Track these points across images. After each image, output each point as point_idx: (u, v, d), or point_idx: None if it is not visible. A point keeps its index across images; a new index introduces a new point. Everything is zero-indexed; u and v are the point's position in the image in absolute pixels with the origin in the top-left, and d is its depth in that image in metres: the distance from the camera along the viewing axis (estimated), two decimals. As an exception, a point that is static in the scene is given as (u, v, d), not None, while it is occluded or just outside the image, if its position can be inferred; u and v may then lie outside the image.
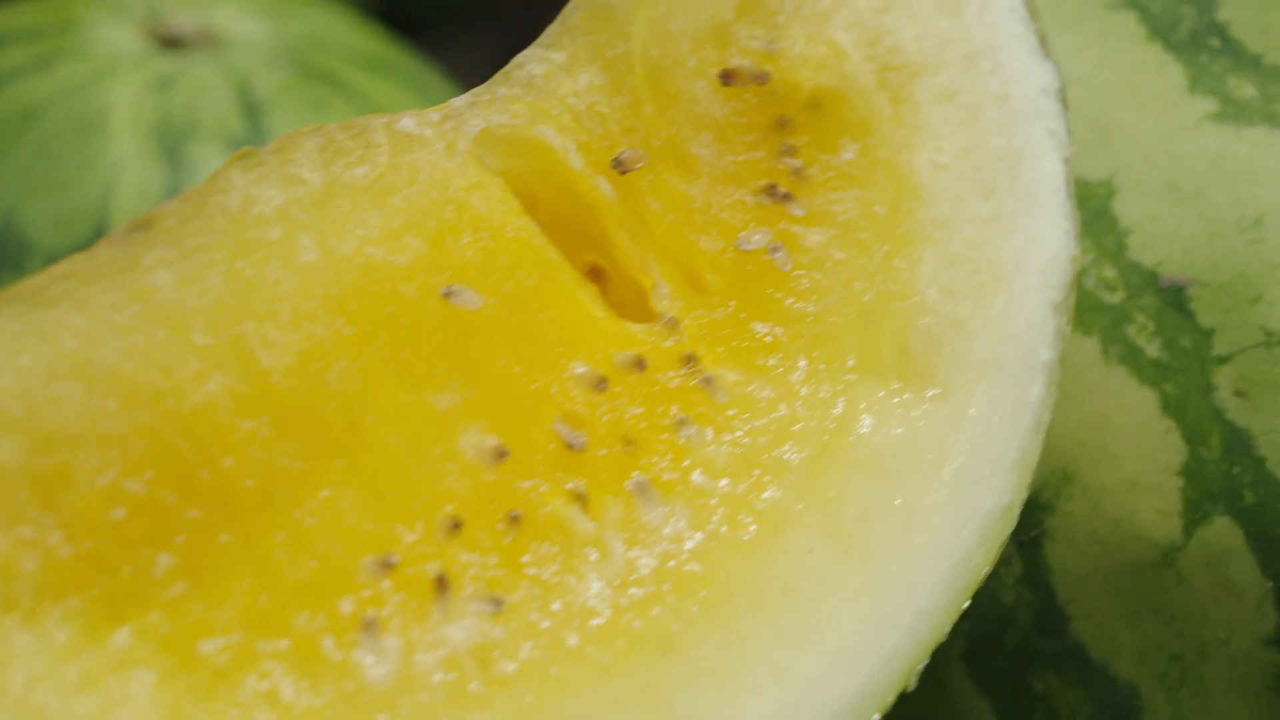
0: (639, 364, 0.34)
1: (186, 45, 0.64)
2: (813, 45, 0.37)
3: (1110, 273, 0.39)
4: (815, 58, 0.37)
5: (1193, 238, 0.38)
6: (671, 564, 0.31)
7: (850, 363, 0.35)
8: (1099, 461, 0.37)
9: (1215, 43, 0.41)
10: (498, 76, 0.36)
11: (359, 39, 0.69)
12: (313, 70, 0.65)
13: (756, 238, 0.36)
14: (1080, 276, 0.39)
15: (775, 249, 0.36)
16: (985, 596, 0.39)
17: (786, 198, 0.36)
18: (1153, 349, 0.37)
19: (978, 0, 0.39)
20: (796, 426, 0.34)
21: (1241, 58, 0.40)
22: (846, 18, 0.38)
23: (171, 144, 0.59)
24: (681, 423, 0.33)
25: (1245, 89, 0.40)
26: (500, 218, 0.34)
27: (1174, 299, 0.38)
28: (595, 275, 0.36)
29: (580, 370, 0.33)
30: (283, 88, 0.62)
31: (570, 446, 0.32)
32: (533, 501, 0.31)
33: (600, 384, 0.33)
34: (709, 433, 0.33)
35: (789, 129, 0.37)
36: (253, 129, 0.59)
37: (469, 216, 0.33)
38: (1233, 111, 0.39)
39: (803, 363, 0.35)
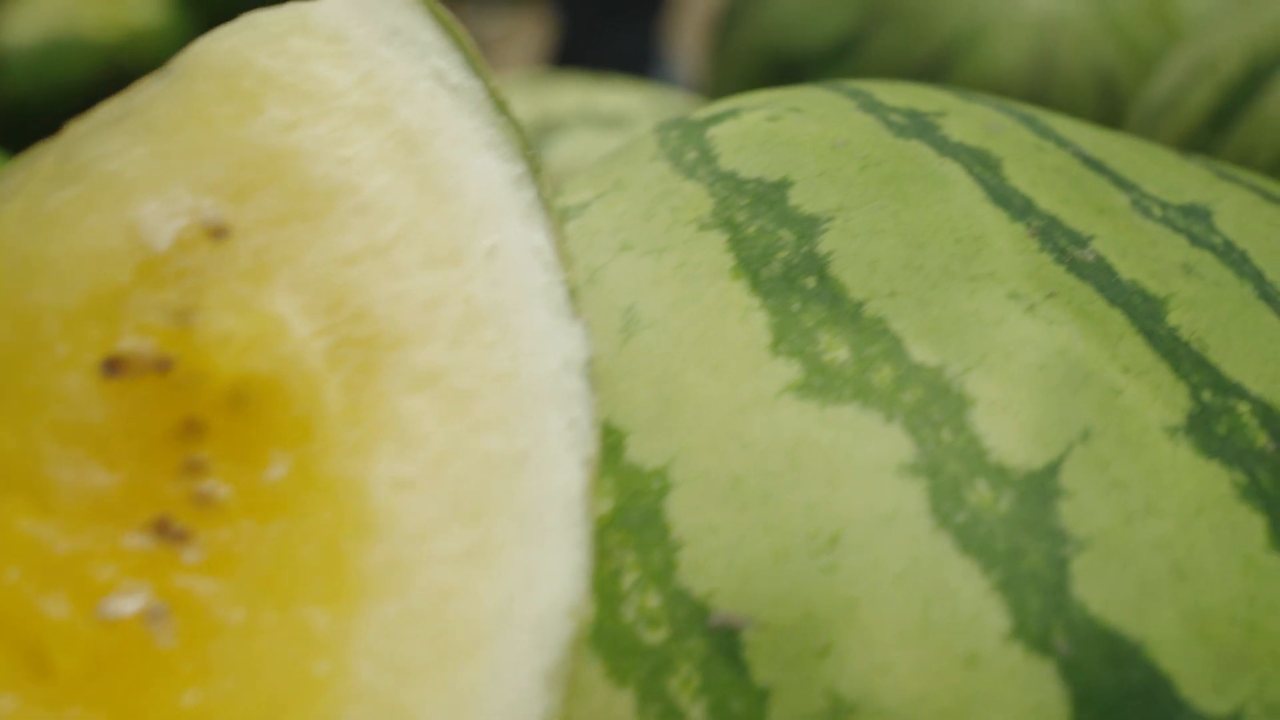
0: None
1: None
2: (242, 316, 0.28)
3: (654, 601, 0.30)
4: (243, 334, 0.28)
5: (755, 559, 0.29)
6: None
7: (245, 780, 0.25)
8: None
9: (811, 282, 0.32)
10: None
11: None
12: None
13: (130, 600, 0.26)
14: (620, 604, 0.30)
15: (156, 615, 0.26)
16: None
17: (181, 538, 0.27)
18: (697, 712, 0.28)
19: (485, 243, 0.30)
20: None
21: (839, 305, 0.32)
22: (294, 275, 0.28)
23: None
24: None
25: (838, 350, 0.31)
26: None
27: (726, 644, 0.29)
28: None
29: None
30: None
31: None
32: None
33: None
34: None
35: (198, 436, 0.27)
36: None
37: None
38: (819, 381, 0.31)
39: (176, 784, 0.25)
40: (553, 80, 0.76)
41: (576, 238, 0.36)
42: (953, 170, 0.35)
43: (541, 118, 0.72)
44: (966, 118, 0.38)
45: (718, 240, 0.34)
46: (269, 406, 0.27)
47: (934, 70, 0.85)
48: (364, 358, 0.28)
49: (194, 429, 0.27)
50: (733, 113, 0.39)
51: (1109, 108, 0.83)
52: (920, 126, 0.37)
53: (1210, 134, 0.63)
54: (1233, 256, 0.35)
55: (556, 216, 0.30)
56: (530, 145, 0.31)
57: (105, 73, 1.38)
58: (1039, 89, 0.83)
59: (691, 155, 0.37)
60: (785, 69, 0.90)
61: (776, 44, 0.90)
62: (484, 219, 0.30)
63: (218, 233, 0.28)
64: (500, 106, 0.31)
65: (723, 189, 0.35)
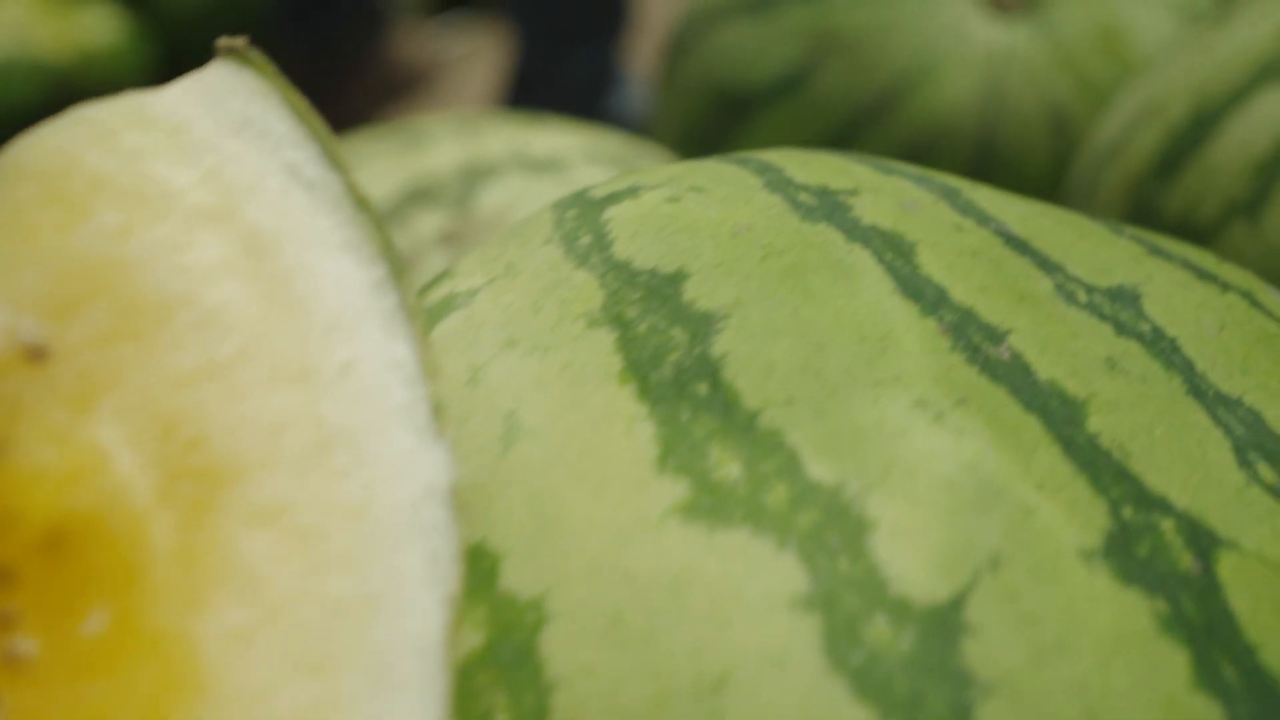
0: None
1: None
2: (60, 448, 0.25)
3: (526, 751, 0.27)
4: (61, 468, 0.25)
5: (635, 705, 0.27)
6: None
7: None
8: None
9: (703, 389, 0.30)
10: None
11: None
12: None
13: (-80, 777, 0.23)
14: (487, 753, 0.27)
15: (-50, 793, 0.23)
16: None
17: (-17, 704, 0.24)
18: None
19: (339, 357, 0.27)
20: None
21: (732, 415, 0.29)
22: (121, 401, 0.26)
23: None
24: None
25: (730, 466, 0.28)
26: None
27: (601, 802, 0.26)
28: None
29: None
30: None
31: None
32: None
33: None
34: None
35: (6, 585, 0.25)
36: None
37: None
38: (708, 502, 0.28)
39: None
40: (484, 122, 0.73)
41: (461, 331, 0.34)
42: (861, 258, 0.33)
43: (471, 162, 0.70)
44: (881, 195, 0.36)
45: (606, 339, 0.31)
46: (89, 550, 0.25)
47: (883, 106, 0.83)
48: (198, 492, 0.25)
49: (2, 577, 0.25)
50: (632, 191, 0.36)
51: (1061, 143, 0.81)
52: (830, 207, 0.35)
53: (1157, 181, 0.61)
54: (1161, 345, 0.33)
55: (421, 322, 0.28)
56: (393, 245, 0.28)
57: (57, 94, 1.35)
58: (989, 124, 0.81)
59: (586, 240, 0.35)
60: (732, 103, 0.88)
61: (723, 78, 0.88)
62: (339, 330, 0.27)
63: (36, 354, 0.26)
64: (360, 203, 0.29)
65: (614, 280, 0.33)
